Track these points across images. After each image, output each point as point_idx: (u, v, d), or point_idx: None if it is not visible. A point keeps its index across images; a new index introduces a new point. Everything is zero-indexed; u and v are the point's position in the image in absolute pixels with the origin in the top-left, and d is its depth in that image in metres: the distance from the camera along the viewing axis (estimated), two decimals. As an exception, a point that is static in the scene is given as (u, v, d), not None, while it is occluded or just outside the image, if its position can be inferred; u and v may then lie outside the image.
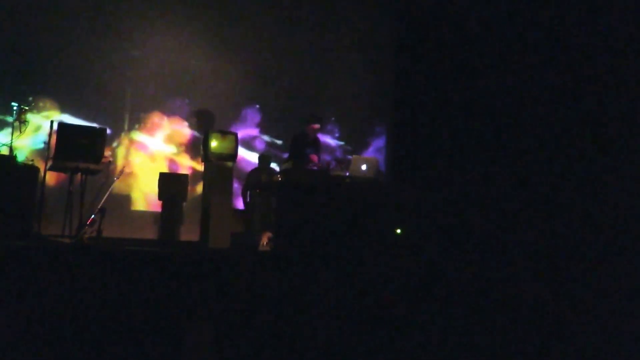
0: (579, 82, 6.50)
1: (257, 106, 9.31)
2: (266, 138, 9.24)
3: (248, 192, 7.97)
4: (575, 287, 5.92)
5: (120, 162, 8.00)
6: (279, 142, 9.27)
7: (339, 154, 9.57)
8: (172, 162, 8.67)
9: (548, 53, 6.89)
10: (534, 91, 7.01)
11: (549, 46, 6.89)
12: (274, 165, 8.72)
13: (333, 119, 9.71)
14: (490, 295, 6.01)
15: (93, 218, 6.24)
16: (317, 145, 7.62)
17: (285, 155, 8.29)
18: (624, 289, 5.61)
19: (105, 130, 6.84)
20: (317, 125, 7.47)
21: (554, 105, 6.73)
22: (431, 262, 6.38)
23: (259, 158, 8.43)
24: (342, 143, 9.73)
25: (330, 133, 9.70)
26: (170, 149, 8.67)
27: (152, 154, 8.55)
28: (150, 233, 7.96)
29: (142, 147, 8.50)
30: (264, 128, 9.28)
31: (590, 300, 5.72)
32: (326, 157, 8.98)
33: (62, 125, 6.45)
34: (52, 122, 6.46)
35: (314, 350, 5.26)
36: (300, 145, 7.40)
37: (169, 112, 8.71)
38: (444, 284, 6.02)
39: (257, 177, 7.84)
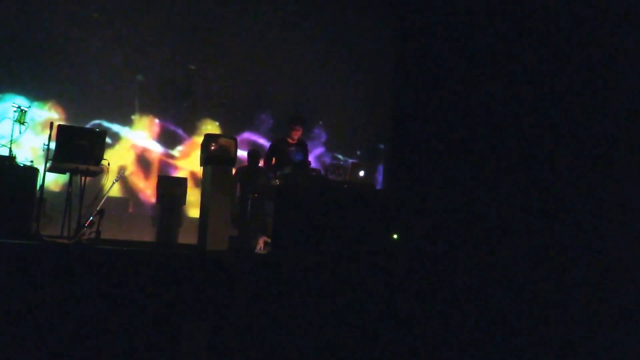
0: (572, 88, 6.57)
1: (256, 112, 9.33)
2: (263, 142, 9.25)
3: (242, 191, 7.93)
4: (575, 290, 5.96)
5: (119, 165, 8.01)
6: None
7: (327, 159, 9.56)
8: (171, 165, 8.70)
9: (546, 62, 6.95)
10: (532, 101, 7.07)
11: (548, 55, 6.95)
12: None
13: (321, 122, 9.69)
14: (488, 299, 6.04)
15: (92, 220, 6.27)
16: (303, 148, 7.59)
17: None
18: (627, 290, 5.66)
19: (105, 132, 6.87)
20: (300, 128, 7.47)
21: (553, 116, 6.78)
22: (428, 267, 6.41)
23: (248, 154, 8.33)
24: (338, 151, 9.74)
25: (316, 138, 9.67)
26: (170, 152, 8.70)
27: (151, 156, 8.58)
28: (148, 235, 7.98)
29: (142, 149, 8.53)
30: (261, 132, 9.31)
31: (593, 302, 5.76)
32: (325, 162, 9.02)
33: (62, 127, 6.49)
34: (52, 123, 6.49)
35: (310, 353, 5.29)
36: (280, 150, 7.40)
37: (169, 115, 8.75)
38: (441, 288, 6.05)
39: (247, 175, 7.79)
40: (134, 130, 8.52)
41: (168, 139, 8.72)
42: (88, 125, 7.87)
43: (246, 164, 8.14)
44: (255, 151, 8.21)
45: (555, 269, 6.21)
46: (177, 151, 8.76)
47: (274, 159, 7.50)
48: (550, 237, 6.42)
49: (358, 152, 9.86)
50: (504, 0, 7.59)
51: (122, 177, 7.15)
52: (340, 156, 9.72)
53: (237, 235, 7.40)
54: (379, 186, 9.20)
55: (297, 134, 7.44)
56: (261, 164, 7.85)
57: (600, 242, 5.96)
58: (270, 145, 7.74)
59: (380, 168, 9.84)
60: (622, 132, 6.05)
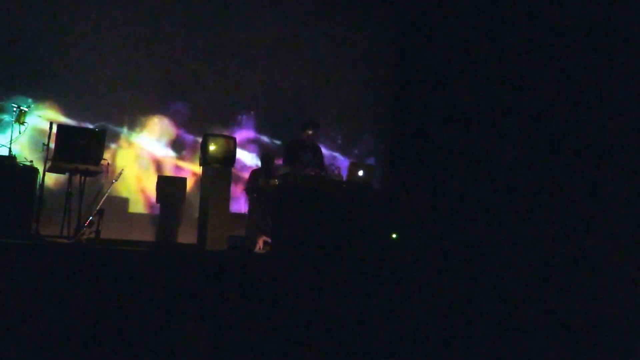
0: (573, 89, 6.58)
1: (254, 112, 9.33)
2: (265, 139, 9.26)
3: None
4: (574, 291, 5.97)
5: (119, 165, 8.02)
6: (278, 142, 9.29)
7: (337, 160, 9.59)
8: (170, 165, 8.70)
9: (548, 60, 6.96)
10: (534, 99, 7.08)
11: (549, 53, 6.96)
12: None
13: (334, 125, 9.72)
14: (486, 298, 6.05)
15: (91, 219, 6.28)
16: (316, 151, 7.62)
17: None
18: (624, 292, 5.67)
19: (105, 132, 6.86)
20: (311, 131, 7.51)
21: (555, 115, 6.79)
22: (426, 266, 6.42)
23: (261, 157, 8.34)
24: (338, 151, 9.76)
25: (330, 140, 9.72)
26: (169, 152, 8.71)
27: (150, 156, 8.59)
28: (148, 235, 7.98)
29: (141, 149, 8.53)
30: (261, 132, 9.32)
31: (590, 304, 5.77)
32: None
33: (61, 127, 6.49)
34: (51, 123, 6.50)
35: (310, 353, 5.30)
36: (293, 151, 7.45)
37: (168, 115, 8.75)
38: (441, 288, 6.06)
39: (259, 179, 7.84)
40: (134, 130, 8.52)
41: (168, 139, 8.72)
42: (87, 125, 7.88)
43: (259, 166, 8.21)
44: (267, 153, 8.23)
45: (556, 268, 6.23)
46: (176, 151, 8.77)
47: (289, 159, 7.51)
48: (552, 234, 6.44)
49: (356, 152, 9.88)
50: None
51: (121, 177, 7.15)
52: (339, 156, 9.74)
53: (237, 235, 7.42)
54: (377, 186, 9.21)
55: (308, 137, 7.49)
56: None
57: (604, 243, 5.98)
58: (286, 147, 7.75)
59: (379, 168, 9.84)
60: (622, 130, 6.07)
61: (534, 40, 7.07)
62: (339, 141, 9.79)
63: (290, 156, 7.41)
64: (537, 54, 7.03)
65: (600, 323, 5.58)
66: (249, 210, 7.92)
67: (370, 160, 9.82)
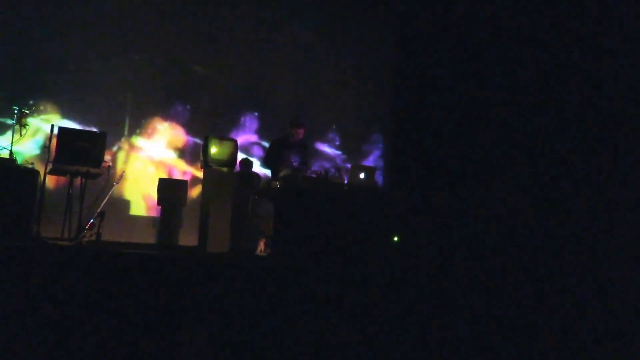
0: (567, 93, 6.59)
1: (256, 113, 9.34)
2: (265, 144, 9.26)
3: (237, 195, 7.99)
4: (574, 292, 5.96)
5: (120, 167, 8.02)
6: None
7: (339, 161, 9.60)
8: (171, 167, 8.70)
9: (548, 59, 6.96)
10: (535, 98, 7.07)
11: (549, 52, 6.95)
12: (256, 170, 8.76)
13: (334, 126, 9.75)
14: (488, 300, 6.03)
15: (92, 222, 6.28)
16: (303, 149, 7.57)
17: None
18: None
19: (106, 134, 6.86)
20: (301, 130, 7.46)
21: (556, 114, 6.78)
22: (428, 268, 6.40)
23: (241, 162, 8.36)
24: (339, 152, 9.77)
25: (331, 141, 9.74)
26: (170, 155, 8.71)
27: (152, 159, 8.59)
28: (149, 237, 7.98)
29: (142, 152, 8.53)
30: (262, 134, 9.32)
31: (595, 305, 5.76)
32: (325, 165, 9.02)
33: (62, 129, 6.49)
34: (52, 126, 6.49)
35: (311, 354, 5.28)
36: (277, 148, 7.43)
37: (169, 118, 8.75)
38: (442, 289, 6.04)
39: (242, 180, 7.84)
40: (135, 132, 8.52)
41: (169, 141, 8.72)
42: (88, 128, 7.88)
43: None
44: (247, 159, 8.29)
45: (558, 268, 6.21)
46: (178, 153, 8.77)
47: (275, 157, 7.49)
48: (554, 236, 6.42)
49: (357, 154, 9.88)
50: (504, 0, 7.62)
51: (122, 179, 7.15)
52: (340, 155, 9.74)
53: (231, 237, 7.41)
54: (379, 188, 9.20)
55: (297, 135, 7.45)
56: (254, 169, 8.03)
57: (607, 242, 5.97)
58: (271, 144, 7.74)
59: (381, 169, 9.85)
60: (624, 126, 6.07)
61: (536, 38, 7.06)
62: (338, 142, 9.79)
63: (273, 153, 7.39)
64: (538, 54, 7.02)
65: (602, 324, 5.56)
66: (238, 212, 7.87)
67: (371, 162, 9.82)
